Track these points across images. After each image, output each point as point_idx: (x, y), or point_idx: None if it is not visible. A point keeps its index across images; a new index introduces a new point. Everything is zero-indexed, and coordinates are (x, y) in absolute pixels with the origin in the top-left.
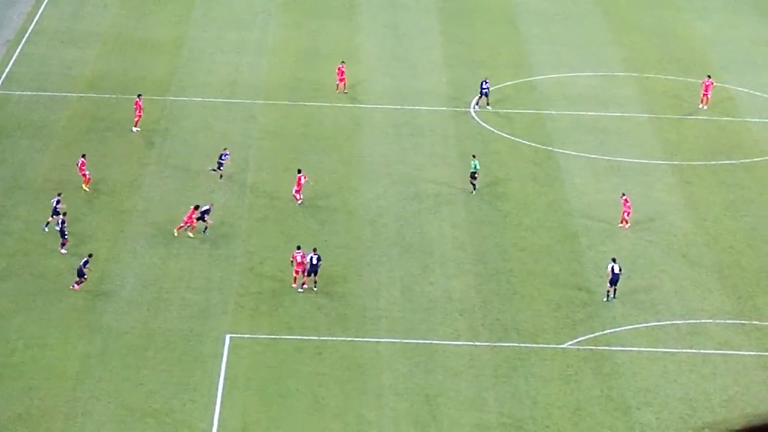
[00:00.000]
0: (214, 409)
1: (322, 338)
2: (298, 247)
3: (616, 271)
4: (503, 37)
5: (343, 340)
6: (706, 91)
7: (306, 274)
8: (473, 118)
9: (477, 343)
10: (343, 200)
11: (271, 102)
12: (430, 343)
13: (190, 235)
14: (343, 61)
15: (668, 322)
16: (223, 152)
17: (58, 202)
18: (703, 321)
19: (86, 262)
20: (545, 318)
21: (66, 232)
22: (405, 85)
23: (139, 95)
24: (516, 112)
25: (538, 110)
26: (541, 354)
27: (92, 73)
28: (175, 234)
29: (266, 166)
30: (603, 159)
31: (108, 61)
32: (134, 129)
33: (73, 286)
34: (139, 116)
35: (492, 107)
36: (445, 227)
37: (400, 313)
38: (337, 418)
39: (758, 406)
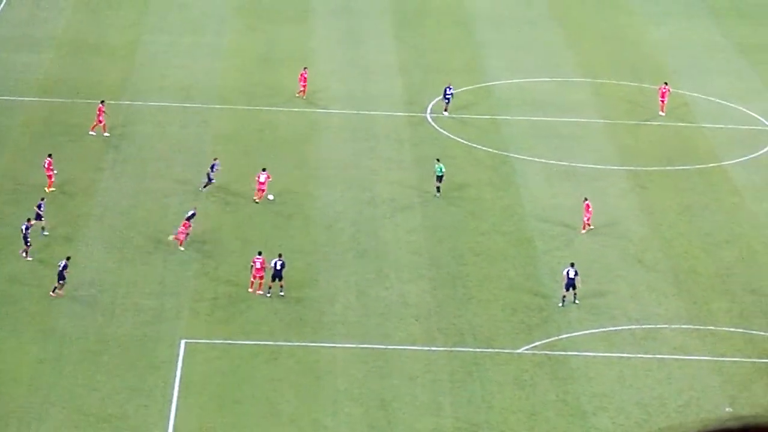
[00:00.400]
0: (169, 415)
1: (277, 343)
2: (259, 253)
3: (571, 275)
4: (458, 42)
5: (298, 345)
6: (662, 97)
7: (271, 278)
8: (429, 122)
9: (433, 348)
10: (298, 205)
11: (226, 106)
12: (386, 348)
13: (182, 249)
14: (305, 67)
15: (624, 327)
16: (213, 162)
17: (40, 206)
18: (658, 326)
19: (65, 266)
20: (501, 323)
21: (29, 238)
22: (360, 90)
23: (102, 101)
24: (472, 117)
25: (493, 115)
26: (496, 359)
27: (47, 78)
28: (173, 240)
29: (221, 170)
30: (558, 164)
31: (63, 65)
32: (91, 133)
33: (54, 292)
34: (101, 122)
35: (449, 113)
36: (400, 232)
37: (356, 318)
38: (293, 423)
39: (713, 410)
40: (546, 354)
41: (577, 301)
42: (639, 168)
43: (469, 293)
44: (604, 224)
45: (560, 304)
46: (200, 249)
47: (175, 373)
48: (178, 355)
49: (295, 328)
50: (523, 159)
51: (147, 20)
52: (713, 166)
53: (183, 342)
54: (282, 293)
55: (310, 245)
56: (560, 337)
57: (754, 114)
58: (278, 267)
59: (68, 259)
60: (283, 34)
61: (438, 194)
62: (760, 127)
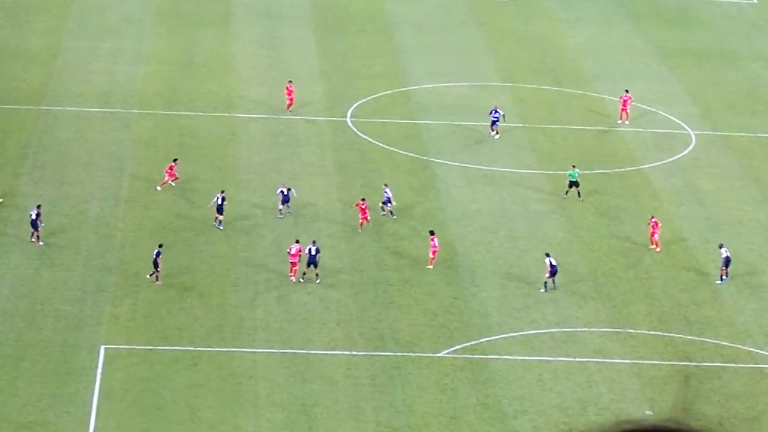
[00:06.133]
0: (89, 421)
1: (198, 349)
2: (297, 241)
3: (554, 263)
4: (378, 47)
5: (219, 351)
6: (624, 106)
7: (306, 264)
8: (350, 127)
9: (354, 353)
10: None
11: (146, 111)
12: (307, 353)
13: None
14: (290, 81)
15: (543, 331)
16: (284, 188)
17: (223, 200)
18: (578, 329)
19: (158, 254)
20: (422, 327)
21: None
22: (281, 95)
23: (175, 160)
24: (392, 122)
25: (413, 120)
26: (417, 363)
27: None
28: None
29: (141, 176)
30: (478, 168)
31: None
32: (158, 188)
33: (151, 276)
34: (175, 177)
35: (498, 135)
36: (321, 237)
37: (277, 323)
38: (214, 429)
39: (632, 413)
40: (467, 358)
41: (554, 287)
42: (558, 172)
43: (390, 298)
44: (523, 228)
45: (541, 290)
46: (120, 255)
47: (95, 379)
48: (98, 361)
49: (216, 334)
50: (444, 163)
51: (67, 25)
52: (632, 170)
53: (103, 348)
54: (318, 281)
55: (230, 251)
56: (481, 340)
57: (673, 118)
58: (313, 252)
59: (160, 246)
60: (203, 39)
61: (580, 199)
62: (679, 131)
